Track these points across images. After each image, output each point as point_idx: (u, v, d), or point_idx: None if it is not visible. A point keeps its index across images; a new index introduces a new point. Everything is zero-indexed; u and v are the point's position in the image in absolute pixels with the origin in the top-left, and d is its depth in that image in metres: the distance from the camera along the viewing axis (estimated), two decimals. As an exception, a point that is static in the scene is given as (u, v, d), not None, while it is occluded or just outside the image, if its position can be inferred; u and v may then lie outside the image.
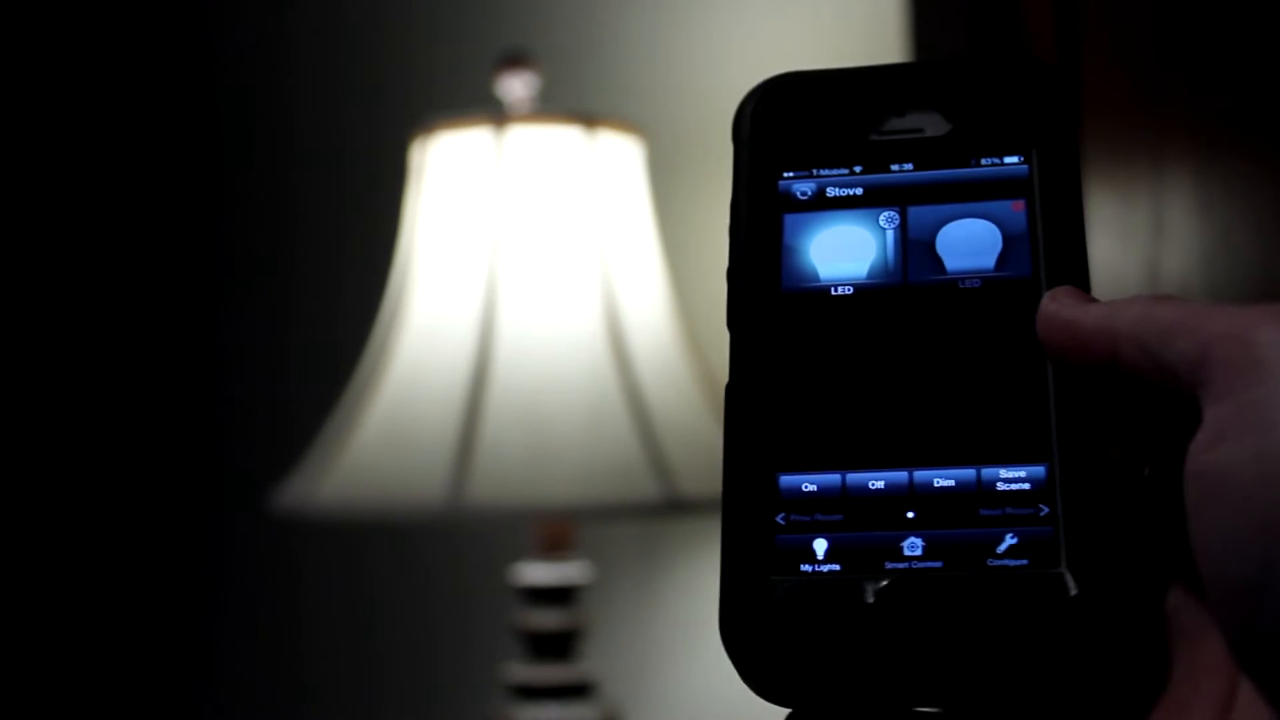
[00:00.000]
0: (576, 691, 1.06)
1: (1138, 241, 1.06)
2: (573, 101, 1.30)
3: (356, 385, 1.12)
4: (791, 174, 0.36)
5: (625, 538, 1.31)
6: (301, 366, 1.47)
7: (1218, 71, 1.03)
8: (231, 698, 1.50)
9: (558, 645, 1.07)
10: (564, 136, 1.06)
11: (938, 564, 0.32)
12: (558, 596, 1.08)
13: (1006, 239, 0.35)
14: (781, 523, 0.33)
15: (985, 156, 0.36)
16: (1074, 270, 0.34)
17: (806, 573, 0.32)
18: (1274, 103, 1.02)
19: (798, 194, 0.36)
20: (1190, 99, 1.04)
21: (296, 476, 1.09)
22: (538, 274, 1.03)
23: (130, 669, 1.53)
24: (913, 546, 0.32)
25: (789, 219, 0.36)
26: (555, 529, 1.09)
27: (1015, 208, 0.35)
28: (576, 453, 0.98)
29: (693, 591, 1.29)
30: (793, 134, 0.37)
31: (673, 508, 0.98)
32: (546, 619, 1.07)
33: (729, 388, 0.34)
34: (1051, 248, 0.34)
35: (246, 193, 1.52)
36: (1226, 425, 0.27)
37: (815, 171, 0.36)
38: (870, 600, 0.31)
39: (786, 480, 0.33)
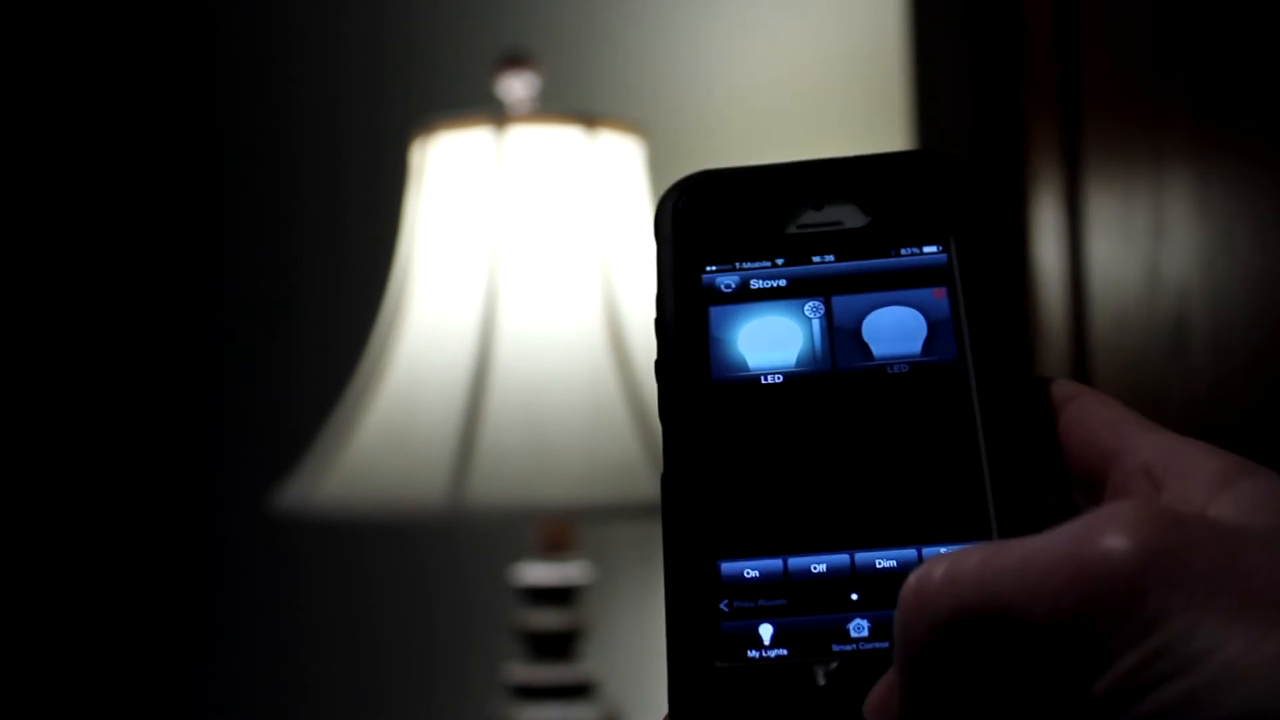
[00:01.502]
0: (577, 691, 1.06)
1: (1138, 241, 1.06)
2: (573, 101, 1.30)
3: (356, 385, 1.12)
4: (715, 268, 0.37)
5: (625, 538, 1.31)
6: (301, 366, 1.47)
7: (1218, 71, 1.03)
8: (232, 698, 1.50)
9: (558, 645, 1.07)
10: (564, 136, 1.06)
11: (884, 644, 0.32)
12: (558, 596, 1.08)
13: (931, 325, 0.35)
14: (725, 610, 0.33)
15: (904, 246, 0.36)
16: (999, 351, 0.35)
17: (753, 659, 0.32)
18: (1274, 103, 1.02)
19: (722, 287, 0.37)
20: (1190, 99, 1.04)
21: (296, 476, 1.09)
22: (538, 274, 1.03)
23: (131, 669, 1.53)
24: (859, 628, 0.32)
25: (715, 311, 0.36)
26: (555, 529, 1.09)
27: (936, 295, 0.36)
28: (576, 453, 0.98)
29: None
30: (714, 229, 0.37)
31: (673, 508, 0.97)
32: (546, 619, 1.07)
33: (664, 477, 0.34)
34: (975, 330, 0.35)
35: (246, 193, 1.52)
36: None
37: (738, 265, 0.37)
38: (821, 683, 0.31)
39: (728, 567, 0.33)
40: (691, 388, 0.35)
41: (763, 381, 0.35)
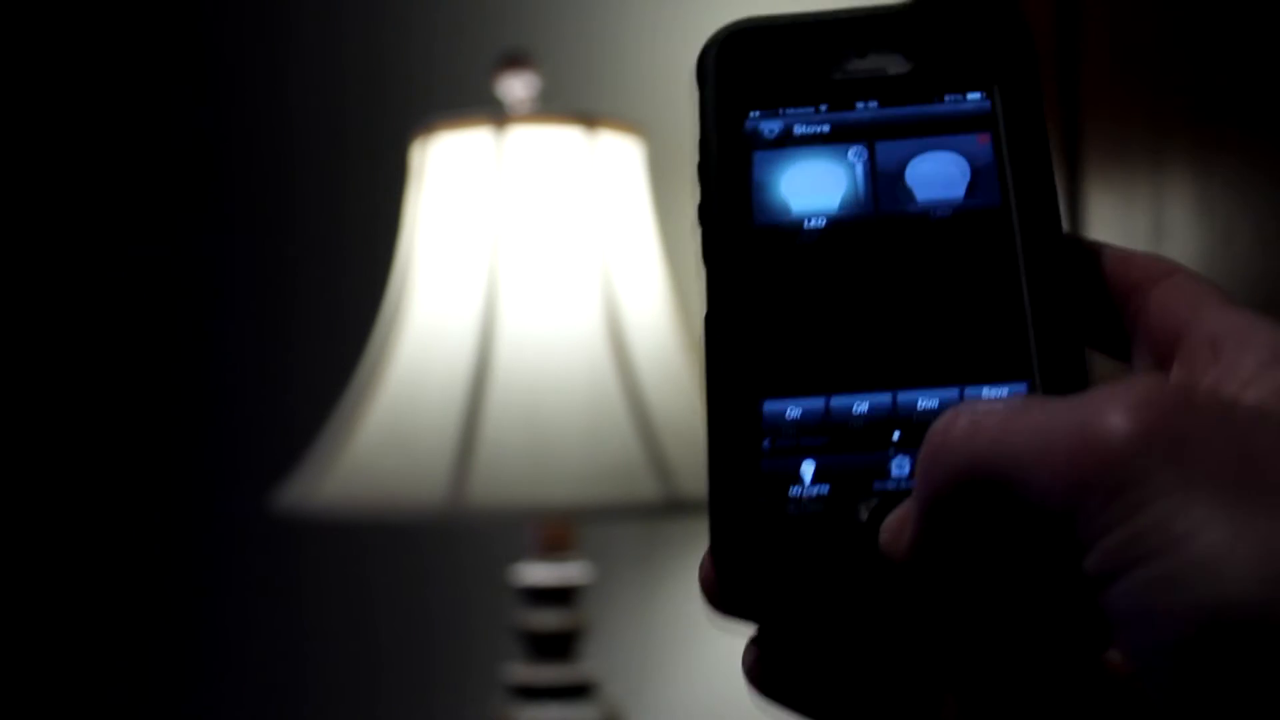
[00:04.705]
0: (577, 692, 1.07)
1: (1138, 242, 1.06)
2: (573, 101, 1.30)
3: (356, 385, 1.12)
4: (758, 114, 0.37)
5: (625, 538, 1.31)
6: (301, 366, 1.47)
7: (1218, 71, 1.03)
8: (232, 698, 1.50)
9: (558, 645, 1.07)
10: (564, 136, 1.06)
11: None
12: (558, 596, 1.08)
13: (974, 170, 0.35)
14: (767, 448, 0.33)
15: (948, 93, 0.36)
16: (1041, 197, 0.35)
17: (795, 496, 0.32)
18: (1274, 103, 1.02)
19: (765, 132, 0.37)
20: (1190, 99, 1.04)
21: (296, 476, 1.09)
22: (538, 274, 1.03)
23: (131, 669, 1.53)
24: (900, 466, 0.32)
25: (758, 156, 0.36)
26: (555, 529, 1.09)
27: (980, 141, 0.36)
28: (576, 453, 0.98)
29: (693, 591, 1.29)
30: (757, 76, 0.37)
31: (673, 508, 0.98)
32: (546, 619, 1.07)
33: (707, 319, 0.35)
34: (1019, 177, 0.35)
35: (246, 193, 1.52)
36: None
37: (781, 111, 0.37)
38: (862, 519, 0.32)
39: (770, 406, 0.33)
40: (734, 231, 0.35)
41: (805, 225, 0.35)
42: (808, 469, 0.33)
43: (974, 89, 0.36)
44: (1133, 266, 0.34)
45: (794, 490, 0.32)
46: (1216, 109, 1.03)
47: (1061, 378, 0.32)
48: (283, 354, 1.48)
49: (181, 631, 1.52)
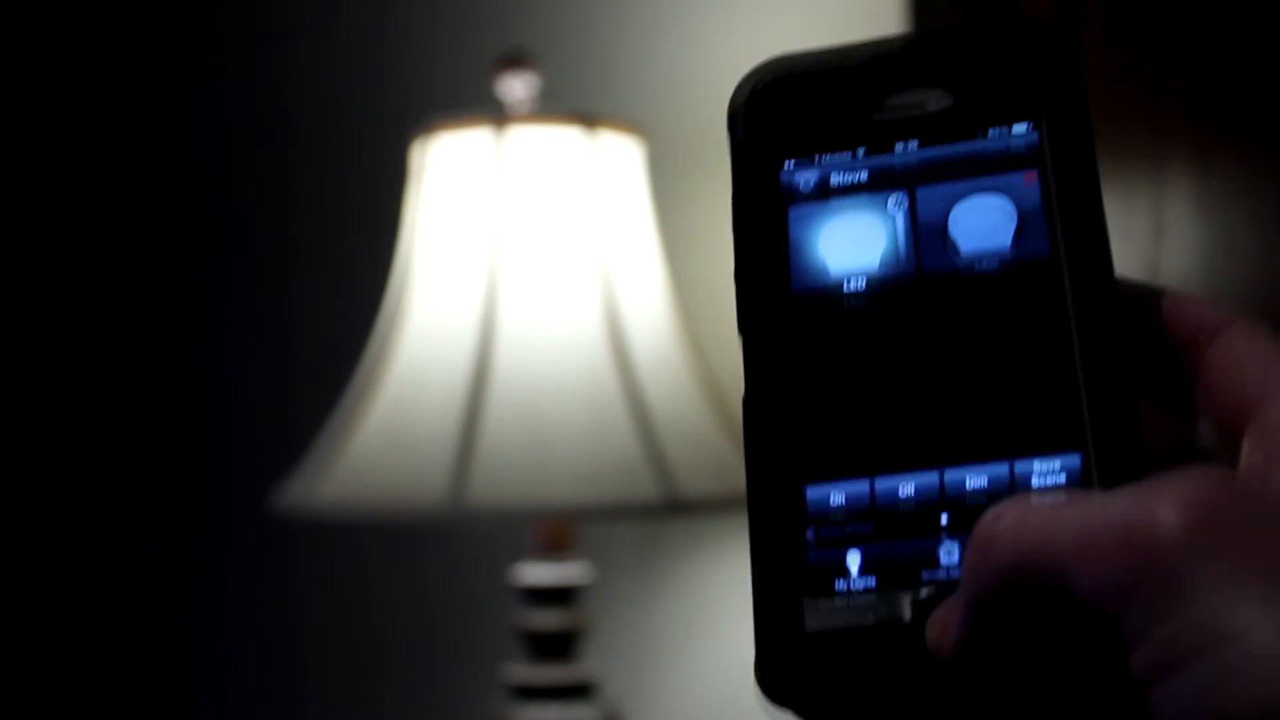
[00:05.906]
0: (577, 692, 1.06)
1: (1138, 242, 1.06)
2: (573, 101, 1.30)
3: (356, 385, 1.12)
4: (793, 163, 0.35)
5: (625, 538, 1.31)
6: (301, 366, 1.47)
7: (1218, 71, 1.03)
8: (232, 698, 1.50)
9: (558, 645, 1.07)
10: (564, 136, 1.06)
11: None
12: (558, 596, 1.08)
13: (1021, 215, 0.33)
14: (811, 539, 0.32)
15: (992, 127, 0.34)
16: (1092, 242, 0.33)
17: (841, 590, 0.31)
18: (1274, 103, 1.02)
19: (800, 185, 0.35)
20: (1190, 99, 1.04)
21: (296, 476, 1.09)
22: (538, 274, 1.03)
23: (130, 669, 1.53)
24: (949, 553, 0.31)
25: (794, 212, 0.34)
26: (555, 529, 1.08)
27: (1027, 180, 0.33)
28: (576, 453, 0.98)
29: (693, 591, 1.29)
30: (790, 121, 0.35)
31: (673, 508, 0.98)
32: (547, 619, 1.07)
33: (746, 399, 0.33)
34: (1068, 222, 0.33)
35: (246, 193, 1.52)
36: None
37: (817, 158, 0.35)
38: (909, 614, 0.30)
39: (814, 492, 0.32)
40: (771, 299, 0.33)
41: (845, 289, 0.33)
42: (854, 560, 0.31)
43: (1019, 120, 0.34)
44: (1188, 315, 0.33)
45: (840, 583, 0.31)
46: (1216, 109, 1.03)
47: (1116, 447, 0.31)
48: (283, 354, 1.48)
49: (181, 631, 1.52)
